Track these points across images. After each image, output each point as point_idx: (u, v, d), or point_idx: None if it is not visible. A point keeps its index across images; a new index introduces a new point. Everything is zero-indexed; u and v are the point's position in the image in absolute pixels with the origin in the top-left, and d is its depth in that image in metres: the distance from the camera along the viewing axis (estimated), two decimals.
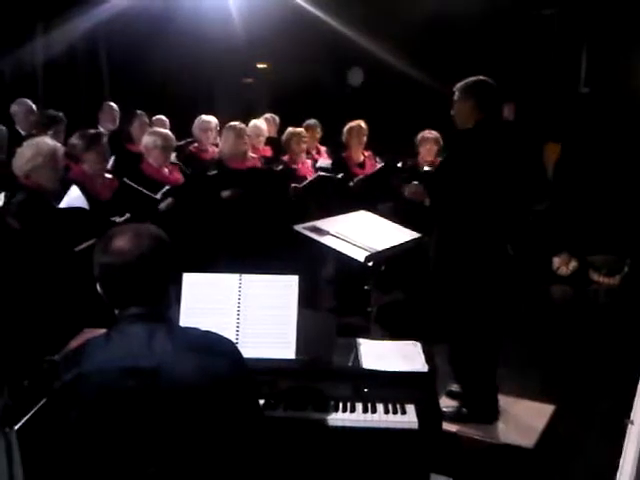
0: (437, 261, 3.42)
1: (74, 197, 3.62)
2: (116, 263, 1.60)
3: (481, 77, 3.51)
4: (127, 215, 3.61)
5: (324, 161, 5.84)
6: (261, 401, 2.20)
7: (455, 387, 3.74)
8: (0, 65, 6.57)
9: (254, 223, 4.60)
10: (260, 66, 9.34)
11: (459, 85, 3.52)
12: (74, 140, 3.90)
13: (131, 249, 1.60)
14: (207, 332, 1.70)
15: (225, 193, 4.61)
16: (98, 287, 1.66)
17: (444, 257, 3.39)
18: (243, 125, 5.08)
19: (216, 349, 1.63)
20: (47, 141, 3.55)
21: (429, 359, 2.35)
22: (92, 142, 3.85)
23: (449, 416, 3.46)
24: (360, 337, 2.55)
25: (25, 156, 3.40)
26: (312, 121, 6.54)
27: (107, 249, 1.62)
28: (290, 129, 5.56)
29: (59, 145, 3.63)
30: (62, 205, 3.57)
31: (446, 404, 3.51)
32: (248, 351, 2.27)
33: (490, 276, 3.31)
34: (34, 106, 5.52)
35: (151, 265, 1.62)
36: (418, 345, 2.47)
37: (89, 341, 1.66)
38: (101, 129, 5.72)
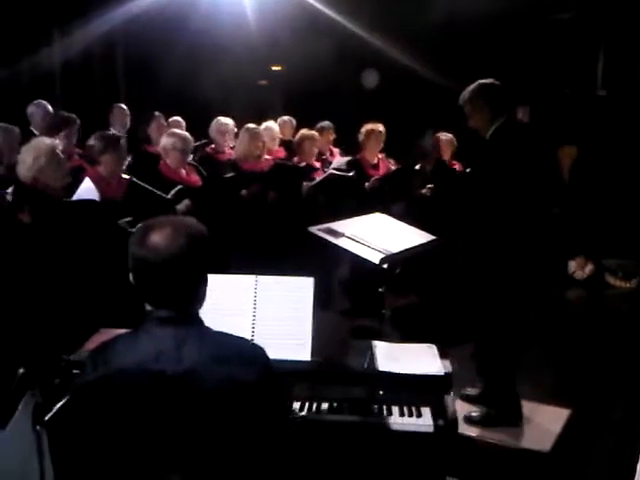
0: (469, 264, 3.45)
1: (85, 189, 3.62)
2: (150, 259, 1.53)
3: (483, 81, 3.50)
4: (129, 218, 3.58)
5: (340, 159, 5.84)
6: None
7: (470, 390, 3.73)
8: (18, 68, 6.63)
9: (270, 223, 4.63)
10: (275, 68, 9.37)
11: (465, 97, 3.51)
12: (92, 141, 3.91)
13: (167, 246, 1.53)
14: (238, 339, 1.65)
15: (244, 191, 4.65)
16: (131, 278, 1.60)
17: (477, 260, 3.42)
18: (258, 128, 5.11)
19: (247, 359, 1.58)
20: (44, 140, 3.56)
21: (445, 362, 2.34)
22: (110, 144, 3.86)
23: (476, 420, 3.46)
24: (375, 339, 2.55)
25: (27, 161, 3.39)
26: (325, 123, 6.54)
27: (143, 242, 1.55)
28: (303, 131, 5.58)
29: (57, 141, 3.64)
30: (74, 197, 3.57)
31: (461, 408, 3.50)
32: None
33: (520, 279, 3.33)
34: (51, 108, 5.56)
35: (186, 265, 1.55)
36: (433, 348, 2.46)
37: (117, 339, 1.62)
38: (112, 131, 5.77)
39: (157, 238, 1.54)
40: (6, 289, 2.80)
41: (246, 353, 1.60)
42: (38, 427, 1.33)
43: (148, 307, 1.61)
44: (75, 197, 3.61)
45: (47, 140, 3.56)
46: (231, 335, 1.65)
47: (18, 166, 3.45)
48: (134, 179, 4.01)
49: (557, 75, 7.27)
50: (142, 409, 1.49)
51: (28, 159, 3.38)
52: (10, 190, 3.38)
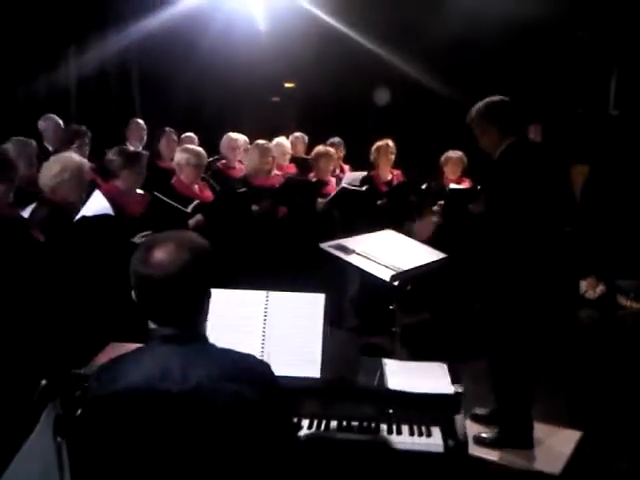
0: (481, 283, 3.44)
1: (96, 203, 3.62)
2: (154, 276, 1.51)
3: (491, 99, 3.41)
4: (147, 232, 3.59)
5: (351, 174, 5.86)
6: None
7: (480, 410, 3.69)
8: (34, 85, 6.72)
9: (280, 239, 4.64)
10: (287, 85, 9.44)
11: (473, 117, 3.42)
12: (112, 156, 3.94)
13: (170, 263, 1.51)
14: (244, 356, 1.64)
15: (255, 207, 4.68)
16: (133, 295, 1.59)
17: (489, 279, 3.41)
18: (268, 143, 5.16)
19: (252, 376, 1.56)
20: (73, 157, 3.61)
21: (456, 381, 2.32)
22: (131, 161, 3.90)
23: (486, 441, 3.42)
24: (385, 357, 2.54)
25: (52, 171, 3.44)
26: (336, 139, 6.58)
27: (146, 260, 1.53)
28: (319, 148, 5.61)
29: (85, 161, 3.69)
30: (85, 210, 3.55)
31: (470, 428, 3.46)
32: (273, 369, 2.28)
33: (532, 298, 3.31)
34: (61, 122, 5.62)
35: (189, 282, 1.54)
36: (444, 367, 2.44)
37: (123, 358, 1.61)
38: (129, 146, 5.83)
39: (161, 255, 1.53)
40: (23, 303, 2.82)
41: (252, 370, 1.59)
42: (59, 438, 1.33)
43: (152, 325, 1.60)
44: (86, 210, 3.61)
45: (77, 157, 3.62)
46: (236, 352, 1.64)
47: (41, 173, 3.49)
48: (156, 193, 4.05)
49: (570, 94, 7.27)
50: (149, 428, 1.48)
51: (54, 169, 3.44)
52: (29, 209, 3.41)
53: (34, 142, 4.50)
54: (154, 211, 3.92)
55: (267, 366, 1.64)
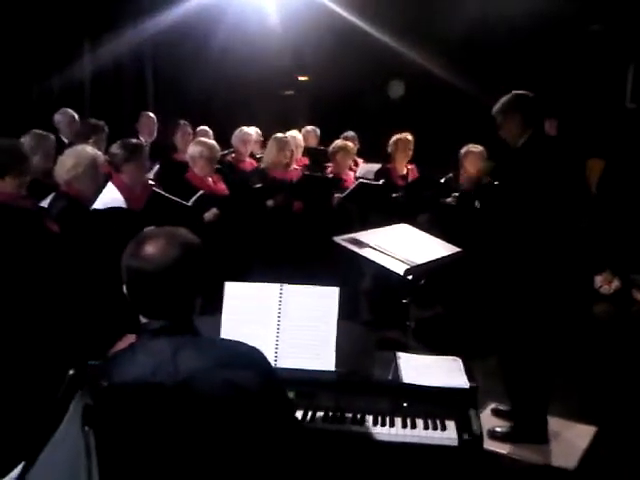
0: (495, 276, 3.43)
1: (108, 196, 3.64)
2: (144, 269, 1.54)
3: (518, 92, 3.52)
4: (152, 227, 3.59)
5: (365, 167, 5.84)
6: (299, 412, 2.20)
7: (502, 406, 3.68)
8: (49, 79, 6.76)
9: (295, 233, 4.65)
10: (301, 78, 9.44)
11: (498, 107, 3.53)
12: (115, 149, 3.94)
13: (161, 257, 1.54)
14: (235, 344, 1.65)
15: (270, 202, 4.69)
16: (124, 290, 1.60)
17: (503, 272, 3.40)
18: (287, 137, 5.16)
19: (244, 363, 1.57)
20: (88, 150, 3.60)
21: (470, 375, 2.31)
22: (132, 153, 3.85)
23: (500, 435, 3.41)
24: (399, 351, 2.53)
25: (66, 165, 3.45)
26: (350, 133, 6.58)
27: (136, 253, 1.56)
28: (338, 142, 5.61)
29: (99, 154, 3.68)
30: (98, 203, 3.57)
31: (484, 422, 3.45)
32: (287, 362, 2.29)
33: (547, 292, 3.31)
34: (76, 115, 5.66)
35: (180, 276, 1.55)
36: (459, 361, 2.44)
37: (114, 356, 1.62)
38: (141, 139, 5.86)
39: (151, 249, 1.55)
40: (37, 295, 2.84)
41: (244, 357, 1.60)
42: (87, 428, 1.34)
43: (143, 320, 1.61)
44: (99, 203, 3.62)
45: (91, 150, 3.61)
46: (228, 340, 1.67)
47: (56, 167, 3.51)
48: (155, 188, 4.04)
49: (586, 88, 7.20)
50: (146, 423, 1.47)
51: (68, 163, 3.45)
52: (46, 201, 3.44)
53: (52, 136, 4.52)
54: (154, 205, 3.90)
55: (260, 353, 1.64)
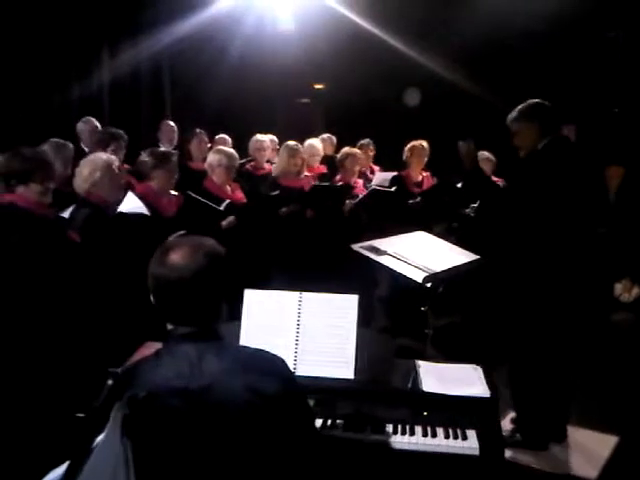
0: (508, 282, 3.41)
1: (130, 204, 3.66)
2: (169, 277, 1.57)
3: (536, 100, 3.50)
4: (182, 232, 3.62)
5: (381, 175, 5.83)
6: (319, 421, 2.20)
7: None
8: (69, 89, 6.83)
9: (310, 240, 4.65)
10: (317, 86, 9.46)
11: (515, 115, 3.51)
12: (144, 157, 3.99)
13: (186, 265, 1.58)
14: (258, 351, 1.68)
15: (283, 210, 4.70)
16: (151, 298, 1.64)
17: (521, 280, 3.39)
18: (298, 145, 5.17)
19: (266, 369, 1.60)
20: (101, 155, 3.65)
21: (491, 384, 2.30)
22: (162, 160, 3.93)
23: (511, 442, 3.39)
24: (417, 359, 2.52)
25: (83, 174, 3.49)
26: (366, 141, 6.57)
27: (162, 261, 1.59)
28: (345, 149, 5.61)
29: (114, 158, 3.72)
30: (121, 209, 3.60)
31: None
32: (306, 369, 2.30)
33: (566, 300, 3.30)
34: (99, 125, 5.70)
35: (205, 283, 1.59)
36: (479, 369, 2.42)
37: (140, 362, 1.65)
38: (160, 147, 5.91)
39: (176, 257, 1.59)
40: (59, 303, 2.87)
41: (266, 363, 1.63)
42: (125, 439, 1.35)
43: (169, 326, 1.65)
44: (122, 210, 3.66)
45: (104, 156, 3.66)
46: (251, 347, 1.70)
47: (75, 179, 3.55)
48: (189, 192, 4.09)
49: (605, 94, 7.14)
50: (168, 427, 1.49)
51: (85, 172, 3.49)
52: (68, 211, 3.47)
53: (71, 144, 4.57)
54: (188, 211, 3.96)
55: (281, 360, 1.67)
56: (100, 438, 1.34)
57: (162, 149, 4.22)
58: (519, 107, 3.52)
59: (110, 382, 1.40)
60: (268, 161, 5.99)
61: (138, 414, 1.43)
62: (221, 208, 4.14)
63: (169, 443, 1.49)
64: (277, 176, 5.11)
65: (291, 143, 5.14)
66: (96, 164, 3.52)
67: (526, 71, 6.96)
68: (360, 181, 5.66)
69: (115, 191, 3.57)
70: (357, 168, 5.58)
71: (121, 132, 5.07)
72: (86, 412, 2.13)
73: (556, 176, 3.27)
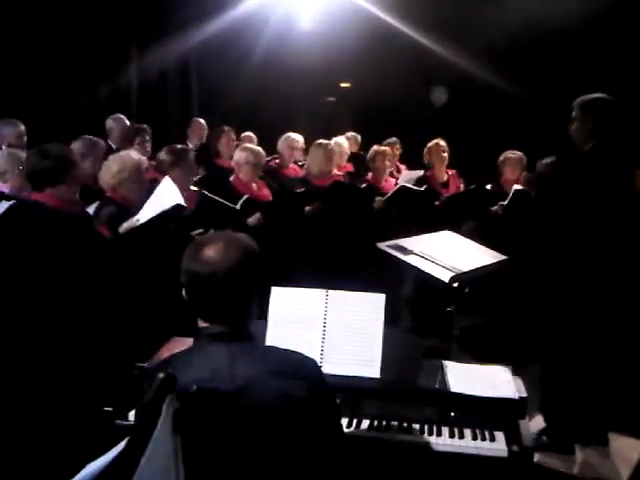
0: (540, 282, 3.38)
1: (166, 189, 3.55)
2: (203, 273, 1.55)
3: (602, 95, 3.36)
4: (200, 230, 3.63)
5: (407, 173, 5.79)
6: (344, 420, 2.19)
7: None
8: (98, 89, 6.92)
9: (336, 239, 4.63)
10: (343, 85, 9.45)
11: (579, 101, 3.38)
12: (162, 155, 3.99)
13: (220, 260, 1.55)
14: (290, 353, 1.66)
15: (308, 208, 4.67)
16: (184, 293, 1.63)
17: (554, 281, 3.35)
18: (333, 145, 5.10)
19: (298, 372, 1.58)
20: (132, 155, 3.65)
21: (520, 385, 2.26)
22: (179, 158, 3.91)
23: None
24: (444, 359, 2.49)
25: (111, 170, 3.49)
26: (392, 139, 6.55)
27: (196, 257, 1.58)
28: (375, 147, 5.58)
29: (144, 159, 3.73)
30: (152, 197, 3.51)
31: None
32: (332, 368, 2.28)
33: (599, 302, 3.24)
34: (128, 122, 5.75)
35: (239, 278, 1.57)
36: (507, 370, 2.39)
37: (171, 360, 1.63)
38: (189, 144, 5.94)
39: (210, 252, 1.57)
40: (90, 298, 2.90)
41: (298, 367, 1.61)
42: (175, 434, 1.35)
43: (201, 323, 1.63)
44: (155, 196, 3.58)
45: (135, 155, 3.66)
46: (283, 349, 1.67)
47: (101, 172, 3.56)
48: (204, 191, 4.08)
49: (633, 92, 7.00)
50: (198, 428, 1.47)
51: (113, 168, 3.50)
52: (92, 207, 3.50)
53: (102, 142, 4.61)
54: (203, 209, 3.94)
55: (314, 362, 1.66)
56: (155, 431, 1.33)
57: (179, 146, 4.19)
58: (588, 95, 3.38)
59: (161, 375, 1.38)
60: (294, 161, 5.98)
61: (188, 409, 1.42)
62: (237, 207, 4.10)
63: (194, 444, 1.48)
64: (309, 175, 4.98)
65: (327, 142, 4.99)
66: (125, 163, 3.51)
67: (555, 68, 6.85)
68: (392, 180, 5.62)
69: (139, 192, 3.55)
70: (388, 165, 5.54)
71: (144, 126, 5.08)
72: (113, 406, 2.15)
73: (591, 188, 3.20)
